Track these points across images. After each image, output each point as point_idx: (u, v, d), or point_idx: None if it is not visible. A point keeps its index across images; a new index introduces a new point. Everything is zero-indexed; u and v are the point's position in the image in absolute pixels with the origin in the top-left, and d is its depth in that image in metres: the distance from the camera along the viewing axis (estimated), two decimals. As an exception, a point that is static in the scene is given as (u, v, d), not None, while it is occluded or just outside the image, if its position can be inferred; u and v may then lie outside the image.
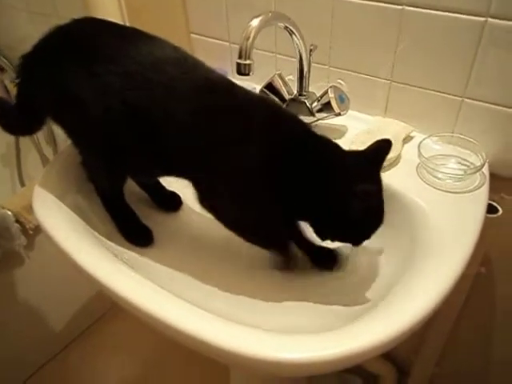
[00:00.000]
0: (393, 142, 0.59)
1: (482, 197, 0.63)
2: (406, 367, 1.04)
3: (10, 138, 1.41)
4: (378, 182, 0.57)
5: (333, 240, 0.59)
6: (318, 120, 0.75)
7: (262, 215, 0.59)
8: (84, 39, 0.61)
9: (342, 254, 0.65)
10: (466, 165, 0.67)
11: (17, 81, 0.67)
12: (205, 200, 0.61)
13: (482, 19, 0.61)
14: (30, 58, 0.64)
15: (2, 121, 0.72)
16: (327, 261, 0.65)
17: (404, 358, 1.04)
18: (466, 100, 0.67)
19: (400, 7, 0.66)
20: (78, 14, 0.64)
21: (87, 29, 0.63)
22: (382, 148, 0.57)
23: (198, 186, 0.60)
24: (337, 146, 0.58)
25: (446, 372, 1.01)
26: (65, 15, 1.15)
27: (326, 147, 0.58)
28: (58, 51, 0.61)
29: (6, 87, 1.47)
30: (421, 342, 0.94)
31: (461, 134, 0.69)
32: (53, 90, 0.62)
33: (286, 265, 0.65)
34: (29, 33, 1.30)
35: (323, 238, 0.59)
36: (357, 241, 0.59)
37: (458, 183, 0.64)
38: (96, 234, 0.65)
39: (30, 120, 0.71)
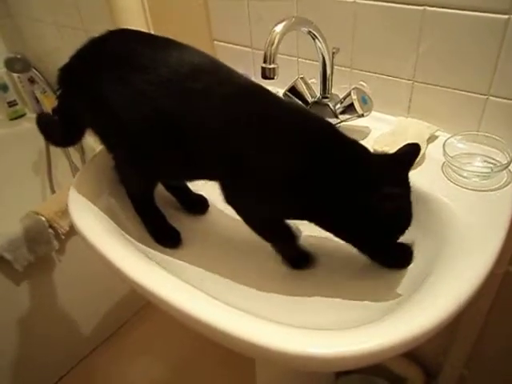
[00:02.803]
0: (417, 141, 0.60)
1: (509, 194, 0.62)
2: (434, 370, 1.03)
3: (42, 146, 1.46)
4: (407, 185, 0.57)
5: (359, 243, 0.60)
6: (342, 122, 0.76)
7: (283, 214, 0.60)
8: (118, 49, 0.63)
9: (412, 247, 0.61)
10: (492, 163, 0.67)
11: (57, 93, 0.71)
12: (231, 198, 0.62)
13: (506, 17, 0.61)
14: (68, 70, 0.68)
15: (47, 134, 0.78)
16: (400, 258, 0.61)
17: (431, 360, 1.03)
18: (491, 98, 0.67)
19: (421, 8, 0.67)
20: (104, 27, 0.67)
21: (121, 39, 0.65)
22: (410, 151, 0.58)
23: (226, 186, 0.62)
24: (365, 149, 0.59)
25: (475, 374, 0.99)
26: (92, 28, 1.21)
27: (355, 150, 0.58)
28: (93, 61, 0.64)
29: (36, 98, 1.53)
30: (449, 344, 0.93)
31: (486, 133, 0.69)
32: (89, 99, 0.64)
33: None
34: (57, 45, 1.36)
35: (348, 241, 0.60)
36: (383, 243, 0.59)
37: (484, 181, 0.64)
38: (126, 235, 0.67)
39: (71, 131, 0.75)
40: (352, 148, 0.59)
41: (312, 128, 0.60)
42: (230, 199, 0.62)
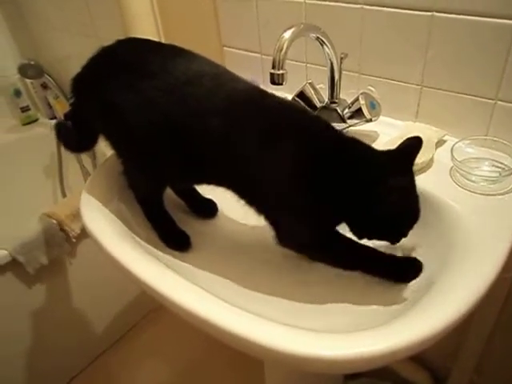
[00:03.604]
0: (425, 146, 0.60)
1: (517, 199, 0.62)
2: (442, 374, 1.03)
3: (53, 151, 1.48)
4: (411, 177, 0.58)
5: (370, 238, 0.60)
6: (350, 126, 0.77)
7: (306, 219, 0.60)
8: (128, 57, 0.65)
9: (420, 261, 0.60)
10: (500, 167, 0.67)
11: (70, 101, 0.73)
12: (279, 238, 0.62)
13: (514, 22, 0.61)
14: (80, 79, 0.70)
15: (64, 140, 0.80)
16: (407, 271, 0.60)
17: (440, 365, 1.03)
18: (499, 102, 0.67)
19: (430, 14, 0.67)
20: (116, 34, 0.69)
21: (130, 48, 0.67)
22: (412, 145, 0.58)
23: (240, 194, 0.63)
24: (368, 146, 0.59)
25: (485, 380, 0.98)
26: (103, 35, 1.23)
27: (357, 147, 0.59)
28: (104, 70, 0.66)
29: (49, 103, 1.55)
30: (458, 348, 0.92)
31: (494, 137, 0.69)
32: (100, 106, 0.66)
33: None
34: (70, 52, 1.39)
35: (360, 237, 0.60)
36: (394, 238, 0.59)
37: (492, 186, 0.64)
38: (137, 238, 0.68)
39: (84, 137, 0.76)
40: (354, 144, 0.59)
41: (313, 128, 0.60)
42: (278, 239, 0.62)
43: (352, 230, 0.60)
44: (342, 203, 0.57)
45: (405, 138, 0.59)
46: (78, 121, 0.74)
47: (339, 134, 0.61)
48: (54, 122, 1.38)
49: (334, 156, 0.57)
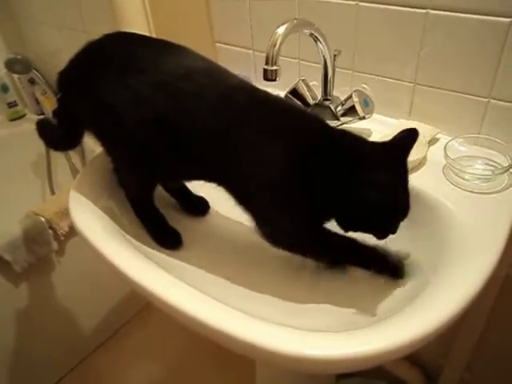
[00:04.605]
0: (418, 144, 0.59)
1: (510, 197, 0.62)
2: (434, 373, 1.03)
3: (42, 148, 1.45)
4: (402, 172, 0.56)
5: (355, 231, 0.59)
6: (343, 124, 0.76)
7: (295, 217, 0.59)
8: (115, 52, 0.63)
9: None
10: (493, 165, 0.67)
11: (57, 96, 0.71)
12: (241, 204, 0.62)
13: (508, 20, 0.61)
14: (67, 74, 0.68)
15: (47, 139, 0.78)
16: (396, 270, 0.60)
17: (432, 363, 1.03)
18: (492, 101, 0.67)
19: (424, 11, 0.67)
20: (105, 28, 0.67)
21: (118, 42, 0.66)
22: (407, 137, 0.57)
23: (230, 191, 0.62)
24: (358, 138, 0.58)
25: (475, 377, 0.99)
26: (93, 30, 1.21)
27: (347, 140, 0.58)
28: (91, 65, 0.64)
29: (36, 99, 1.52)
30: (449, 347, 0.92)
31: (487, 135, 0.69)
32: (88, 102, 0.64)
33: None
34: (59, 47, 1.36)
35: (346, 230, 0.59)
36: (379, 233, 0.58)
37: (485, 184, 0.64)
38: (127, 236, 0.67)
39: (70, 134, 0.75)
40: (344, 137, 0.58)
41: (305, 124, 0.59)
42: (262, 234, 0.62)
43: (338, 222, 0.59)
44: (330, 196, 0.56)
45: (400, 130, 0.57)
46: (65, 117, 0.72)
47: (330, 128, 0.59)
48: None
49: (323, 149, 0.56)
